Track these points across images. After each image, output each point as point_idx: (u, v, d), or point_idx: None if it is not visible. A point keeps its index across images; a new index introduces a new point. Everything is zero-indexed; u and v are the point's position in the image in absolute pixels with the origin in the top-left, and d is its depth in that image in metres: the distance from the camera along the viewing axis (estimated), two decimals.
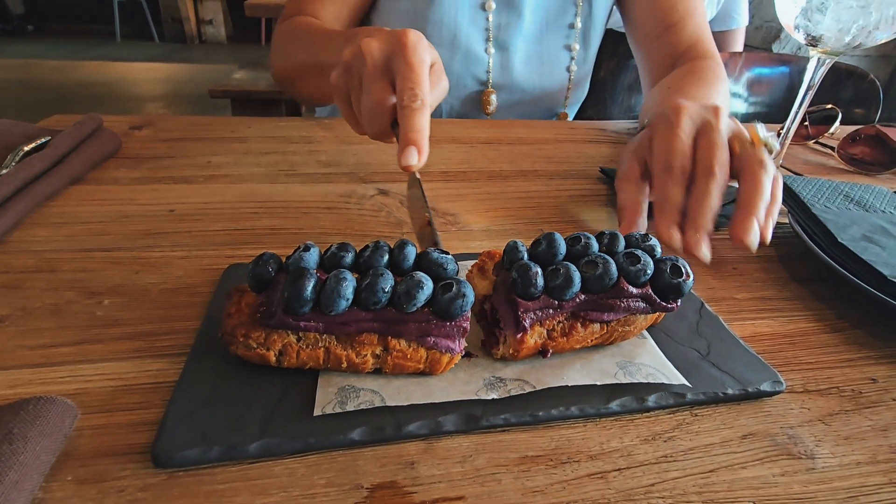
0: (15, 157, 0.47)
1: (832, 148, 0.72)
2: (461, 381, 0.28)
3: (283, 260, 0.28)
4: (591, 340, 0.30)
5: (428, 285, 0.26)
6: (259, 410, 0.26)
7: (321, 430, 0.25)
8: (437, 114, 0.81)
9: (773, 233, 0.39)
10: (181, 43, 5.46)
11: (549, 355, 0.29)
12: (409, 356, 0.27)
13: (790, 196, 0.47)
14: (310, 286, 0.25)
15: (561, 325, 0.29)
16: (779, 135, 0.55)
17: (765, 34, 2.25)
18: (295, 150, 0.61)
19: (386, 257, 0.28)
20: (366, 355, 0.27)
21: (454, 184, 0.55)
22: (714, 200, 0.37)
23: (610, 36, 1.18)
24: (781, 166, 0.51)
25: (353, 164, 0.58)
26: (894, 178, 0.66)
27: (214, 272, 0.37)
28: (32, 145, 0.49)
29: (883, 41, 0.44)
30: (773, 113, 1.21)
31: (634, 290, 0.29)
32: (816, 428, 0.28)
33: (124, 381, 0.28)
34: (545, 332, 0.29)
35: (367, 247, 0.29)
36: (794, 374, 0.31)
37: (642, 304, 0.29)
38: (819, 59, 0.48)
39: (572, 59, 0.81)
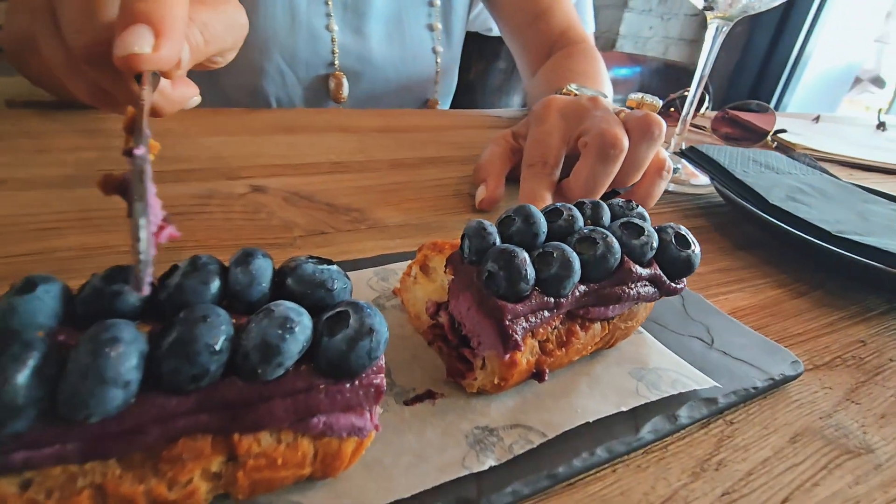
0: None
1: (704, 128, 0.76)
2: (433, 450, 0.18)
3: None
4: (592, 346, 0.22)
5: (303, 323, 0.14)
6: None
7: None
8: (286, 105, 0.69)
9: (699, 202, 0.36)
10: None
11: (545, 378, 0.20)
12: (280, 461, 0.15)
13: (709, 163, 0.45)
14: (21, 376, 0.11)
15: (556, 331, 0.21)
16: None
17: (603, 42, 2.50)
18: (119, 145, 0.44)
19: (215, 283, 0.15)
20: (190, 480, 0.14)
21: (351, 175, 0.44)
22: (589, 175, 0.36)
23: (476, 39, 1.18)
24: (692, 147, 0.50)
25: (209, 157, 0.44)
26: (763, 149, 0.71)
27: None
28: None
29: (773, 6, 0.45)
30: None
31: (642, 271, 0.21)
32: (851, 410, 0.23)
33: None
34: (537, 345, 0.20)
35: (174, 268, 0.16)
36: (796, 349, 0.27)
37: (651, 289, 0.22)
38: (717, 26, 0.47)
39: (437, 39, 0.75)
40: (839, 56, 2.69)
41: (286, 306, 0.14)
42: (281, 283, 0.16)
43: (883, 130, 0.90)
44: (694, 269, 0.23)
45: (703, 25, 0.48)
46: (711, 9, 0.46)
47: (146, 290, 0.13)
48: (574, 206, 0.23)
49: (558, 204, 0.23)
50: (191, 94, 0.30)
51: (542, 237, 0.21)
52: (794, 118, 0.91)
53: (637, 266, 0.21)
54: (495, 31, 0.90)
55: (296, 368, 0.14)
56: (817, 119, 0.91)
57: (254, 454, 0.14)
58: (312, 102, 0.71)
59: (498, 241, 0.20)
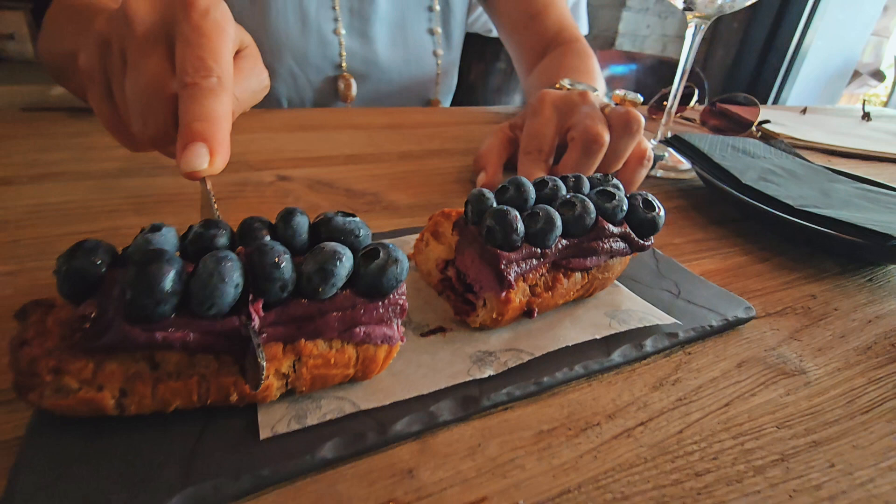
0: None
1: (693, 120, 0.80)
2: (444, 363, 0.23)
3: (120, 251, 0.19)
4: (574, 293, 0.27)
5: (346, 256, 0.19)
6: (173, 451, 0.17)
7: (276, 455, 0.17)
8: (297, 105, 0.74)
9: (682, 185, 0.40)
10: None
11: (535, 315, 0.25)
12: (332, 361, 0.19)
13: (691, 150, 0.50)
14: (170, 273, 0.16)
15: (543, 278, 0.25)
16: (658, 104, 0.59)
17: (602, 42, 2.54)
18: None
19: (267, 236, 0.20)
20: (266, 377, 0.18)
21: (364, 165, 0.49)
22: (574, 166, 0.40)
23: (476, 40, 1.22)
24: (676, 136, 0.55)
25: (237, 152, 0.49)
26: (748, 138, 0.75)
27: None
28: None
29: (748, 4, 0.50)
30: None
31: (614, 229, 0.26)
32: (793, 346, 0.28)
33: None
34: (528, 288, 0.25)
35: (239, 226, 0.20)
36: (754, 302, 0.31)
37: (622, 245, 0.27)
38: (696, 24, 0.52)
39: (437, 42, 0.80)
40: (837, 50, 2.71)
41: (333, 244, 0.19)
42: (317, 233, 0.21)
43: (868, 120, 0.94)
44: (658, 228, 0.27)
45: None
46: (690, 9, 0.51)
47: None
48: (559, 178, 0.28)
49: (546, 177, 0.28)
50: None
51: (532, 202, 0.26)
52: (782, 110, 0.96)
53: (610, 225, 0.26)
54: (495, 33, 0.95)
55: (342, 291, 0.19)
56: (804, 111, 0.95)
57: (314, 356, 0.19)
58: (321, 102, 0.76)
59: (495, 205, 0.25)
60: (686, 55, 0.52)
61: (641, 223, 0.27)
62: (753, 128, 0.75)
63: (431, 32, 0.79)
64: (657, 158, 0.55)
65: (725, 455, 0.20)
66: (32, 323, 0.17)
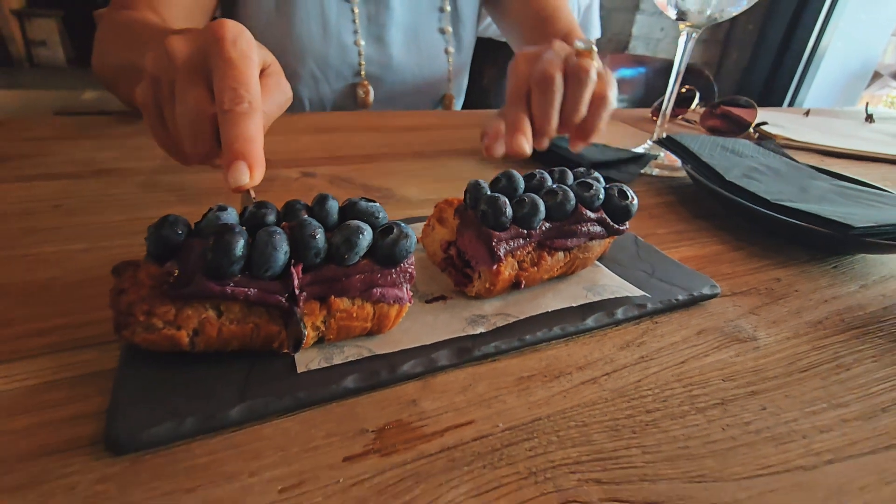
0: None
1: (694, 122, 0.84)
2: (444, 323, 0.27)
3: (193, 225, 0.24)
4: (557, 269, 0.31)
5: (367, 231, 0.23)
6: (233, 377, 0.22)
7: (310, 384, 0.22)
8: (318, 108, 0.79)
9: (673, 183, 0.44)
10: (5, 67, 4.66)
11: (522, 286, 0.30)
12: (354, 315, 0.24)
13: (682, 150, 0.54)
14: (240, 242, 0.21)
15: (530, 255, 0.30)
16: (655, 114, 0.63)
17: (615, 45, 2.57)
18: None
19: (305, 215, 0.25)
20: (305, 327, 0.23)
21: (380, 163, 0.54)
22: (536, 104, 0.44)
23: (489, 45, 1.27)
24: (668, 136, 0.59)
25: (267, 151, 0.54)
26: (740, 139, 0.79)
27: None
28: None
29: (734, 14, 0.53)
30: (639, 107, 1.39)
31: (591, 215, 0.30)
32: (750, 319, 0.32)
33: (42, 379, 0.23)
34: (516, 263, 0.30)
35: (283, 207, 0.26)
36: (722, 283, 0.35)
37: (599, 228, 0.31)
38: (687, 32, 0.56)
39: (448, 41, 0.84)
40: (856, 51, 2.68)
41: (357, 222, 0.24)
42: (344, 214, 0.26)
43: (871, 122, 0.96)
44: (631, 214, 0.32)
45: (713, 25, 0.55)
46: (683, 19, 0.55)
47: None
48: (546, 171, 0.32)
49: (535, 171, 0.32)
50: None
51: (521, 190, 0.30)
52: (785, 113, 0.98)
53: (588, 211, 0.30)
54: None
55: (363, 259, 0.24)
56: (807, 113, 0.97)
57: (340, 309, 0.24)
58: (341, 104, 0.81)
59: (489, 193, 0.30)
60: (679, 61, 0.56)
61: (616, 210, 0.31)
62: (751, 129, 0.78)
63: (442, 31, 0.84)
64: (650, 157, 0.59)
65: (674, 399, 0.25)
66: (126, 277, 0.22)
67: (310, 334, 0.24)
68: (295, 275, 0.22)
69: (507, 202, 0.28)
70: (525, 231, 0.29)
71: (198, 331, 0.22)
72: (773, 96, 2.62)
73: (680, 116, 0.88)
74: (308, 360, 0.24)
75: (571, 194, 0.30)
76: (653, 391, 0.25)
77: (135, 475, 0.19)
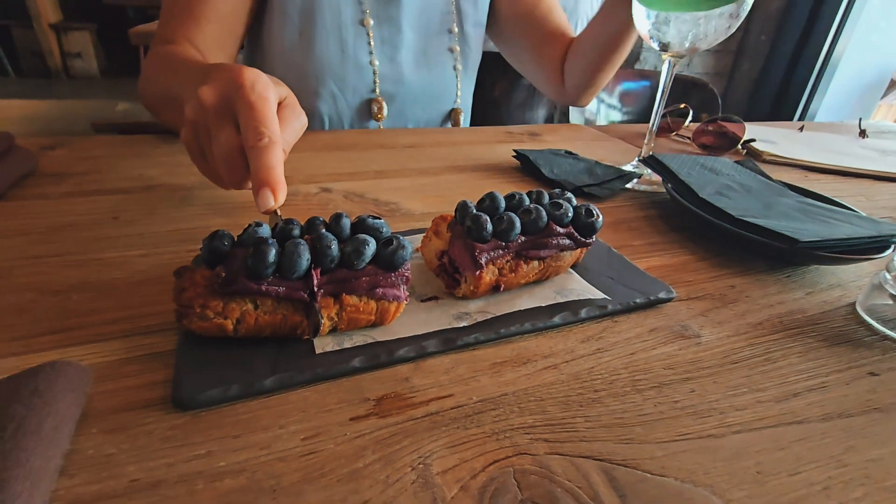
0: None
1: (689, 138, 0.89)
2: (434, 318, 0.33)
3: (235, 237, 0.30)
4: (533, 276, 0.37)
5: (372, 242, 0.30)
6: (266, 356, 0.29)
7: (326, 363, 0.29)
8: (336, 123, 0.87)
9: (656, 198, 0.49)
10: (44, 78, 4.90)
11: (501, 289, 0.36)
12: (361, 309, 0.30)
13: (663, 168, 0.59)
14: (272, 251, 0.27)
15: (509, 263, 0.36)
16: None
17: (626, 59, 2.61)
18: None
19: (323, 229, 0.31)
20: (324, 324, 0.30)
21: (389, 179, 0.61)
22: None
23: (500, 58, 1.33)
24: (651, 155, 0.64)
25: (288, 168, 0.61)
26: (733, 156, 0.83)
27: (180, 264, 0.39)
28: None
29: (713, 44, 0.58)
30: (642, 119, 1.43)
31: (561, 230, 0.36)
32: (699, 320, 0.37)
33: (119, 356, 0.29)
34: (497, 270, 0.35)
35: (306, 223, 0.33)
36: (680, 289, 0.41)
37: (568, 241, 0.37)
38: (669, 61, 0.61)
39: (456, 59, 0.91)
40: (872, 60, 2.68)
41: (364, 236, 0.30)
42: (355, 228, 0.32)
43: (864, 137, 1.00)
44: (596, 230, 0.37)
45: (728, 37, 0.59)
46: (666, 50, 0.60)
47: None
48: (525, 193, 0.38)
49: (515, 192, 0.38)
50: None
51: (502, 209, 0.36)
52: (779, 127, 1.02)
53: (558, 227, 0.36)
54: None
55: (368, 265, 0.30)
56: (801, 128, 1.01)
57: (350, 305, 0.30)
58: (357, 122, 0.88)
59: (474, 211, 0.36)
60: (661, 88, 0.62)
61: (583, 226, 0.37)
62: (739, 146, 0.83)
63: (451, 51, 0.91)
64: (636, 175, 0.65)
65: (619, 382, 0.30)
66: (186, 278, 0.29)
67: (325, 324, 0.30)
68: (314, 276, 0.29)
69: (489, 220, 0.34)
70: (503, 243, 0.35)
71: (240, 320, 0.29)
72: (785, 107, 2.62)
73: (674, 133, 0.93)
74: (324, 344, 0.30)
75: (544, 212, 0.36)
76: (602, 376, 0.31)
77: (195, 425, 0.25)
